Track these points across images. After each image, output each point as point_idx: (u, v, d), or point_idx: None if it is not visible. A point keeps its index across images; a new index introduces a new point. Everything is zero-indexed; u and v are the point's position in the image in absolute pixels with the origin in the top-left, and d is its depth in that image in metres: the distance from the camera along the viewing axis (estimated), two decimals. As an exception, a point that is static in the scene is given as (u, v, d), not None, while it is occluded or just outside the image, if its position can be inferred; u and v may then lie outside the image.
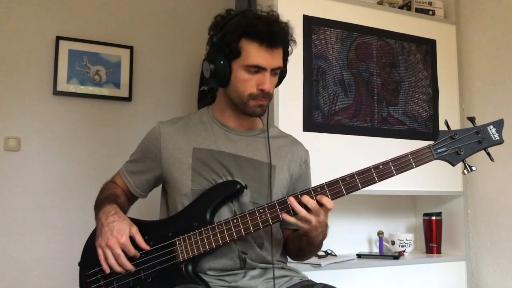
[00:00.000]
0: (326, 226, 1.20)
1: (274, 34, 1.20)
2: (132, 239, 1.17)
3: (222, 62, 1.22)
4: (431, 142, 1.15)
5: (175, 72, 2.63)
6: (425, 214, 2.20)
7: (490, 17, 2.17)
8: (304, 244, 1.25)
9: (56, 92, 2.36)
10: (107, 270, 1.17)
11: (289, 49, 1.29)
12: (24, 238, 2.24)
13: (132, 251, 1.16)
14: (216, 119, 1.33)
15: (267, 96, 1.24)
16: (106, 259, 1.16)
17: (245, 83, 1.22)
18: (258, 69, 1.21)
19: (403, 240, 2.15)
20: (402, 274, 1.99)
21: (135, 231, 1.18)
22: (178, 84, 2.63)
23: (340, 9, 2.02)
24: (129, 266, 1.16)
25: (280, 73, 1.31)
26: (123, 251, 1.16)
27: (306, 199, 1.11)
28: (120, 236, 1.15)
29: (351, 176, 1.13)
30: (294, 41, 1.29)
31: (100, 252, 1.17)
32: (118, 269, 1.16)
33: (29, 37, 2.35)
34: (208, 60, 1.24)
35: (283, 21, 1.26)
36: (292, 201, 1.11)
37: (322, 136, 1.92)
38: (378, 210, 2.32)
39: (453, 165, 1.14)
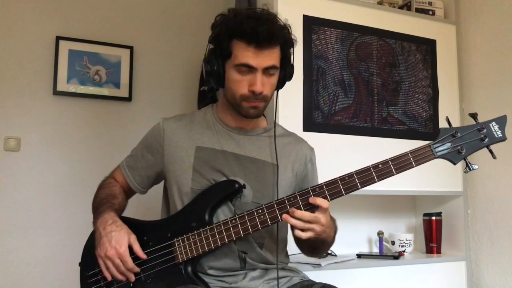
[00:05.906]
0: (333, 222, 1.19)
1: (260, 33, 1.13)
2: (130, 247, 1.17)
3: (216, 62, 1.20)
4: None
5: (175, 72, 2.63)
6: (425, 214, 2.20)
7: (490, 17, 2.16)
8: (318, 244, 1.23)
9: (56, 92, 2.36)
10: (109, 278, 1.18)
11: (291, 49, 1.25)
12: (24, 238, 2.24)
13: (130, 263, 1.16)
14: (220, 118, 1.32)
15: (260, 98, 1.20)
16: (107, 269, 1.16)
17: (237, 84, 1.19)
18: (248, 68, 1.17)
19: (403, 240, 2.15)
20: (402, 274, 1.99)
21: (133, 239, 1.18)
22: (178, 84, 2.63)
23: (340, 9, 2.01)
24: (130, 275, 1.17)
25: (283, 75, 1.26)
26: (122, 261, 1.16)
27: (298, 213, 1.09)
28: (119, 247, 1.15)
29: (350, 175, 1.12)
30: (294, 40, 1.25)
31: (101, 262, 1.17)
32: (119, 277, 1.16)
33: (29, 37, 2.35)
34: (204, 61, 1.23)
35: (279, 20, 1.21)
36: (286, 218, 1.10)
37: (322, 136, 1.91)
38: (378, 210, 2.31)
39: (454, 163, 1.11)
